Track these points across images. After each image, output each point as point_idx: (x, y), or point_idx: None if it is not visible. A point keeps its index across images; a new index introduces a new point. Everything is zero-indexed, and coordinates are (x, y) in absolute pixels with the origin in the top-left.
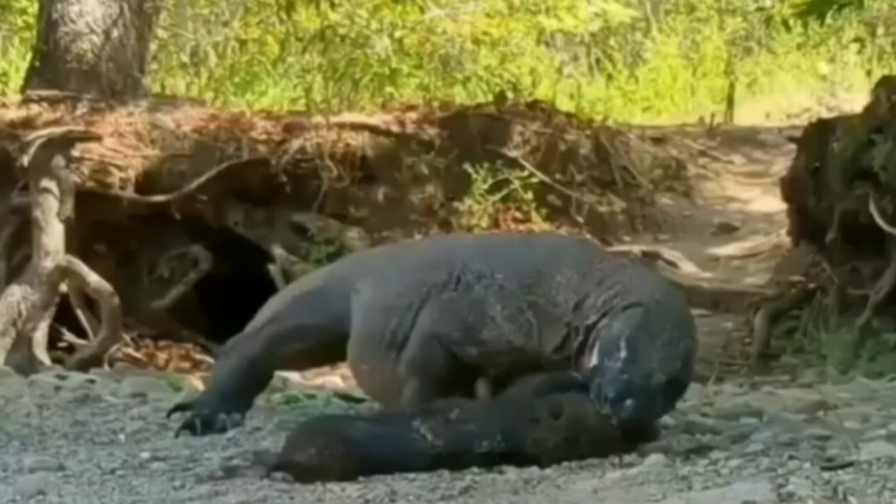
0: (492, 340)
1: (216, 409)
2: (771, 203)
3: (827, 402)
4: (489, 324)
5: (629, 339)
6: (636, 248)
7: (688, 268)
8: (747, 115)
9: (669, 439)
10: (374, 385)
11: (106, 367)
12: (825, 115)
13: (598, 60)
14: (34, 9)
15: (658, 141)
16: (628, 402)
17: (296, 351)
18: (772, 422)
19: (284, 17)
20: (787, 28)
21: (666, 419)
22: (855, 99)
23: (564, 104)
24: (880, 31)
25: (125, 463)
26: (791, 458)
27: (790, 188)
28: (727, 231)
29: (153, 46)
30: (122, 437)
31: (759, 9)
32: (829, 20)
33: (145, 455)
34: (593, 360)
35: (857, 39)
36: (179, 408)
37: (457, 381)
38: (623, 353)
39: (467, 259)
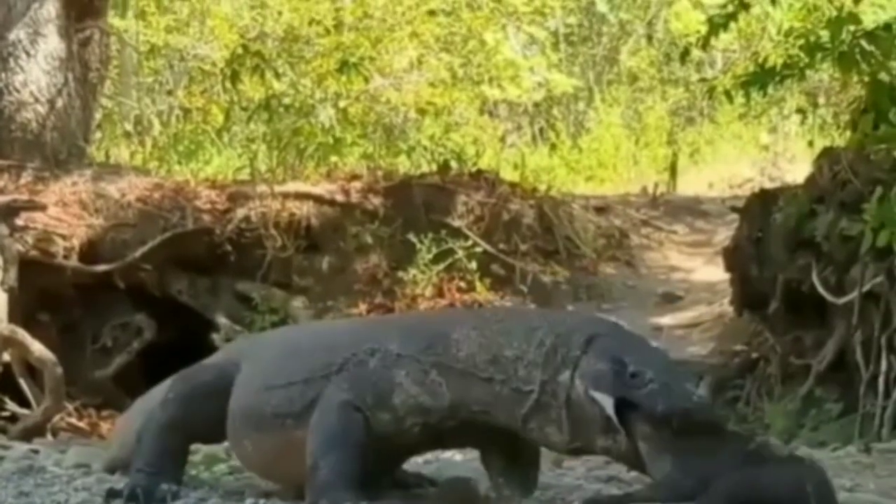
0: (401, 404)
1: (155, 479)
2: (714, 273)
3: None
4: (396, 389)
5: (623, 359)
6: None
7: None
8: (690, 184)
9: None
10: (260, 459)
11: (49, 437)
12: (767, 185)
13: (541, 130)
14: None
15: (601, 210)
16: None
17: (208, 414)
18: None
19: (229, 86)
20: (730, 99)
21: None
22: (797, 170)
23: (508, 174)
24: (822, 101)
25: None
26: None
27: (733, 258)
28: (670, 300)
29: (98, 115)
30: None
31: (702, 79)
32: (770, 91)
33: None
34: (604, 404)
35: (799, 110)
36: (113, 494)
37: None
38: (632, 369)
39: (355, 340)
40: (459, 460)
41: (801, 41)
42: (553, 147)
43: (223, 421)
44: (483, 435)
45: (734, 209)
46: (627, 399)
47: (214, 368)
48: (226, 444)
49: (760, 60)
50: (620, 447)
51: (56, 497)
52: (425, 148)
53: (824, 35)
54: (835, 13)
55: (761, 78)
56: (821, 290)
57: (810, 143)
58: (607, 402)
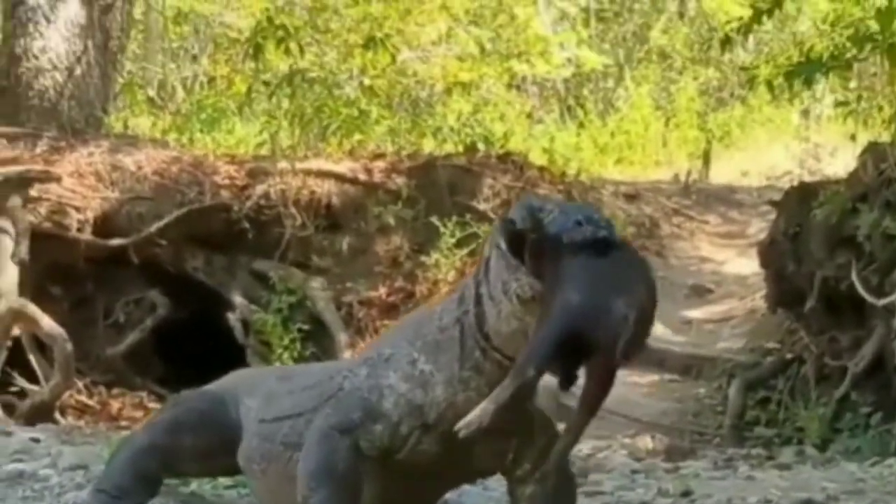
0: (393, 408)
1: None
2: (746, 265)
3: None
4: (386, 393)
5: (531, 203)
6: None
7: (659, 330)
8: (722, 171)
9: None
10: (267, 484)
11: (57, 415)
12: (807, 178)
13: (569, 107)
14: None
15: (631, 198)
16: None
17: (193, 447)
18: None
19: (253, 59)
20: (772, 90)
21: None
22: (837, 163)
23: (537, 155)
24: (860, 89)
25: None
26: None
27: (768, 252)
28: (701, 293)
29: (117, 85)
30: None
31: (743, 68)
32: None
33: None
34: (498, 241)
35: (841, 104)
36: None
37: (362, 482)
38: (536, 204)
39: (349, 365)
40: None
41: (849, 31)
42: (581, 125)
43: (209, 456)
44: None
45: (771, 202)
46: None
47: (213, 397)
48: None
49: (805, 49)
50: (525, 287)
51: None
52: (452, 129)
53: (873, 25)
54: (884, 2)
55: (807, 69)
56: (861, 290)
57: (853, 137)
58: (501, 240)
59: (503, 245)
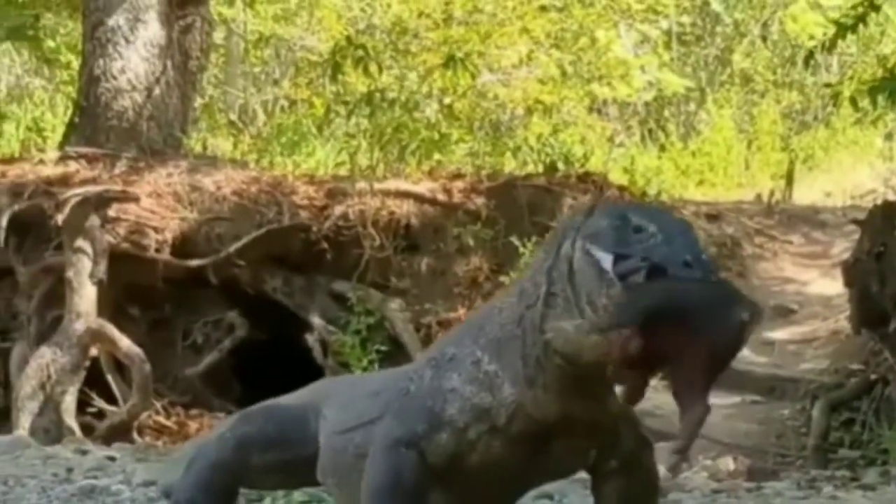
0: (458, 413)
1: None
2: (830, 286)
3: None
4: (450, 398)
5: (627, 215)
6: None
7: (741, 351)
8: (806, 192)
9: None
10: (344, 499)
11: (135, 436)
12: (891, 196)
13: (650, 131)
14: (78, 63)
15: (713, 218)
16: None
17: (265, 463)
18: None
19: (332, 79)
20: (855, 107)
21: None
22: None
23: (617, 176)
24: None
25: None
26: None
27: (852, 272)
28: (783, 314)
29: (196, 105)
30: None
31: (827, 85)
32: None
33: None
34: (599, 257)
35: None
36: None
37: (428, 495)
38: (636, 223)
39: (413, 367)
40: None
41: None
42: (663, 148)
43: (282, 471)
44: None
45: (855, 221)
46: (625, 254)
47: (290, 410)
48: None
49: (890, 65)
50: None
51: None
52: (531, 148)
53: None
54: None
55: (891, 84)
56: None
57: None
58: (604, 257)
59: (598, 254)
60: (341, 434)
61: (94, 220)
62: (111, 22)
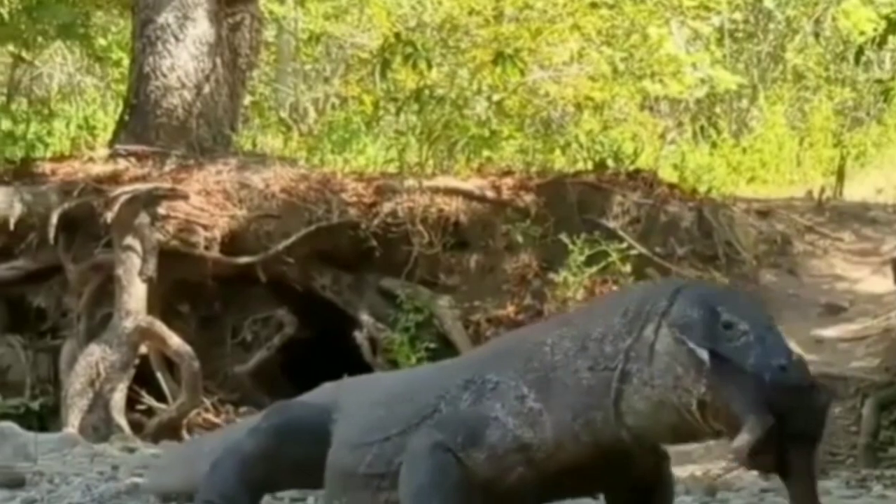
0: (498, 442)
1: None
2: (881, 284)
3: None
4: (493, 425)
5: (716, 308)
6: None
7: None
8: (857, 189)
9: None
10: None
11: (184, 433)
12: None
13: (702, 128)
14: (128, 61)
15: (763, 215)
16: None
17: (296, 454)
18: None
19: (381, 76)
20: None
21: None
22: None
23: (667, 173)
24: None
25: None
26: None
27: None
28: (834, 312)
29: (246, 102)
30: None
31: (878, 80)
32: None
33: None
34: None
35: None
36: None
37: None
38: (725, 318)
39: (451, 374)
40: None
41: None
42: (714, 145)
43: (310, 466)
44: (604, 475)
45: None
46: (717, 352)
47: (313, 408)
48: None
49: None
50: (707, 401)
51: None
52: (581, 145)
53: None
54: None
55: None
56: None
57: None
58: (700, 350)
59: (692, 345)
60: (352, 449)
61: (143, 218)
62: (160, 20)
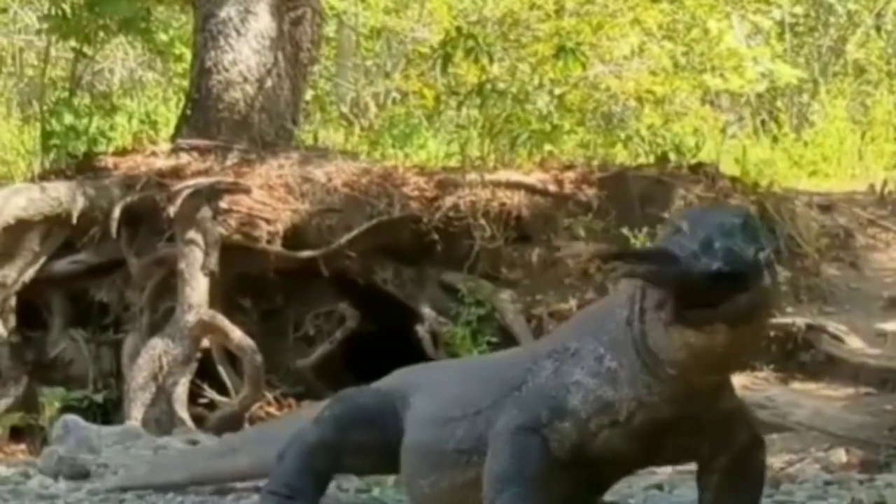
0: (581, 405)
1: None
2: None
3: None
4: (573, 389)
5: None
6: (800, 320)
7: (854, 343)
8: None
9: None
10: (437, 499)
11: (246, 427)
12: None
13: (763, 122)
14: (190, 56)
15: (825, 208)
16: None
17: (362, 442)
18: None
19: (442, 70)
20: None
21: None
22: None
23: (729, 167)
24: None
25: None
26: None
27: None
28: None
29: (307, 97)
30: None
31: None
32: None
33: None
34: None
35: None
36: None
37: (552, 483)
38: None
39: (529, 356)
40: None
41: None
42: (775, 139)
43: (376, 453)
44: (691, 436)
45: None
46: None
47: (378, 394)
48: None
49: None
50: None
51: None
52: (643, 138)
53: None
54: None
55: None
56: None
57: None
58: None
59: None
60: (440, 426)
61: (205, 212)
62: (222, 14)
